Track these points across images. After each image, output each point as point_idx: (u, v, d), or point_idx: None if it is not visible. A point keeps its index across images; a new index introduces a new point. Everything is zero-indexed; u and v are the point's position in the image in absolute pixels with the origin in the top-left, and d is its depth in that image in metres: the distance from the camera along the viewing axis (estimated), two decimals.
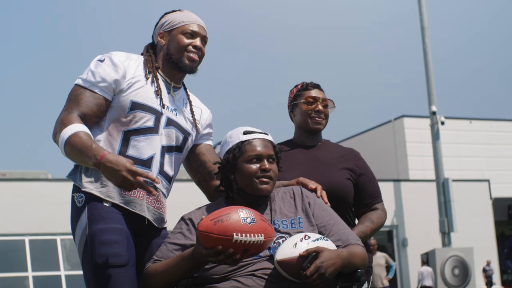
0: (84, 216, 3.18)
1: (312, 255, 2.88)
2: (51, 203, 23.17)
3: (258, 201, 3.20)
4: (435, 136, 29.40)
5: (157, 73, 3.43)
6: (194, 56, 3.45)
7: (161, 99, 3.37)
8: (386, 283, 14.17)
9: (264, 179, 3.16)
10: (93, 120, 3.26)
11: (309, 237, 2.99)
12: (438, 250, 25.70)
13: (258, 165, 3.17)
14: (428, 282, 27.40)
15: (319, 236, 3.04)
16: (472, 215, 30.94)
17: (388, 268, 14.53)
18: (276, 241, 3.08)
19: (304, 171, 3.70)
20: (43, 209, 23.75)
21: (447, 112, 35.07)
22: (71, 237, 3.36)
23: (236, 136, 3.25)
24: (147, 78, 3.35)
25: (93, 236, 3.14)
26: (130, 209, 3.26)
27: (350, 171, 3.77)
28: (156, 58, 3.49)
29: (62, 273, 23.45)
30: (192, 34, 3.45)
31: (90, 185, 3.22)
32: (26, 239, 24.85)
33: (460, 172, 35.37)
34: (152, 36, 3.58)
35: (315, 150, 3.84)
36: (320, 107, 3.79)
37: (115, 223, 3.18)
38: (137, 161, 3.26)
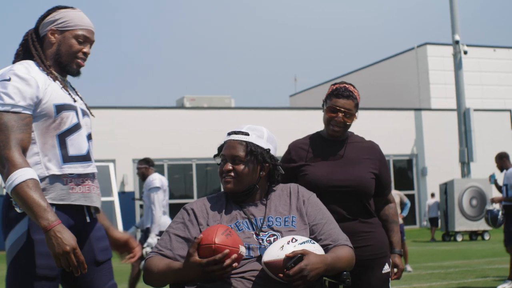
0: (24, 223, 3.20)
1: (297, 256, 2.97)
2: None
3: (236, 197, 3.35)
4: (458, 66, 29.17)
5: (53, 72, 3.42)
6: (82, 62, 3.48)
7: (69, 93, 3.41)
8: (400, 221, 14.24)
9: (225, 179, 3.33)
10: (30, 141, 3.24)
11: (296, 240, 3.07)
12: (456, 181, 25.74)
13: (223, 166, 3.36)
14: (435, 214, 27.56)
15: (306, 239, 3.12)
16: (492, 145, 30.87)
17: (402, 205, 14.58)
18: (267, 239, 3.19)
19: (331, 167, 4.01)
20: None
21: (471, 40, 34.79)
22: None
23: (226, 135, 3.46)
24: (49, 79, 3.36)
25: (33, 245, 3.18)
26: (88, 204, 3.35)
27: (373, 168, 4.07)
28: (44, 53, 3.46)
29: None
30: (84, 40, 3.46)
31: None
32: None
33: (482, 100, 35.17)
34: (38, 26, 3.51)
35: (340, 146, 4.11)
36: (340, 117, 4.01)
37: None
38: (79, 158, 3.34)
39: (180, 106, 32.47)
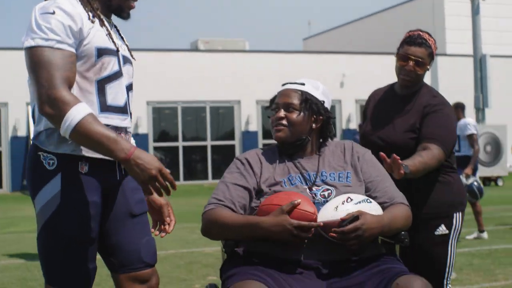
0: (57, 181, 2.90)
1: (353, 217, 2.89)
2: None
3: (286, 148, 3.28)
4: (475, 11, 28.81)
5: (100, 16, 3.08)
6: (134, 4, 3.15)
7: (112, 39, 3.09)
8: None
9: (276, 127, 3.26)
10: (74, 81, 2.92)
11: (351, 200, 3.00)
12: None
13: (275, 115, 3.29)
14: None
15: (362, 198, 3.05)
16: (508, 92, 30.72)
17: None
18: (321, 193, 3.13)
19: (374, 124, 3.92)
20: None
21: None
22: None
23: (280, 86, 3.39)
24: (92, 22, 3.00)
25: (68, 206, 2.91)
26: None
27: (415, 123, 3.83)
28: None
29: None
30: None
31: (69, 147, 2.91)
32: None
33: (499, 47, 34.80)
34: None
35: (402, 101, 3.94)
36: (410, 66, 3.82)
37: (92, 195, 2.96)
38: (117, 109, 3.06)
39: (194, 49, 32.29)
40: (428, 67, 3.88)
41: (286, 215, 2.89)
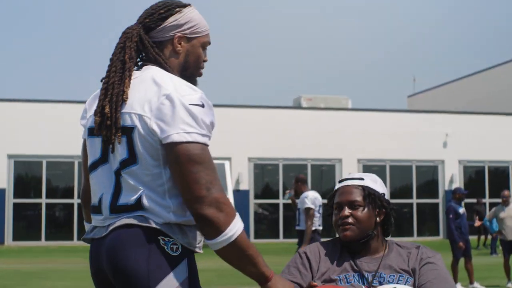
0: (183, 268, 2.63)
1: None
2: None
3: (353, 247, 3.24)
4: None
5: None
6: (202, 72, 2.96)
7: None
8: None
9: (343, 226, 3.20)
10: None
11: None
12: None
13: (339, 214, 3.23)
14: None
15: None
16: None
17: None
18: None
19: None
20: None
21: None
22: None
23: (337, 183, 3.36)
24: None
25: None
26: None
27: None
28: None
29: None
30: (206, 47, 2.95)
31: (189, 239, 2.69)
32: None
33: None
34: (149, 26, 2.81)
35: None
36: None
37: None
38: None
39: (297, 106, 32.55)
40: None
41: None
